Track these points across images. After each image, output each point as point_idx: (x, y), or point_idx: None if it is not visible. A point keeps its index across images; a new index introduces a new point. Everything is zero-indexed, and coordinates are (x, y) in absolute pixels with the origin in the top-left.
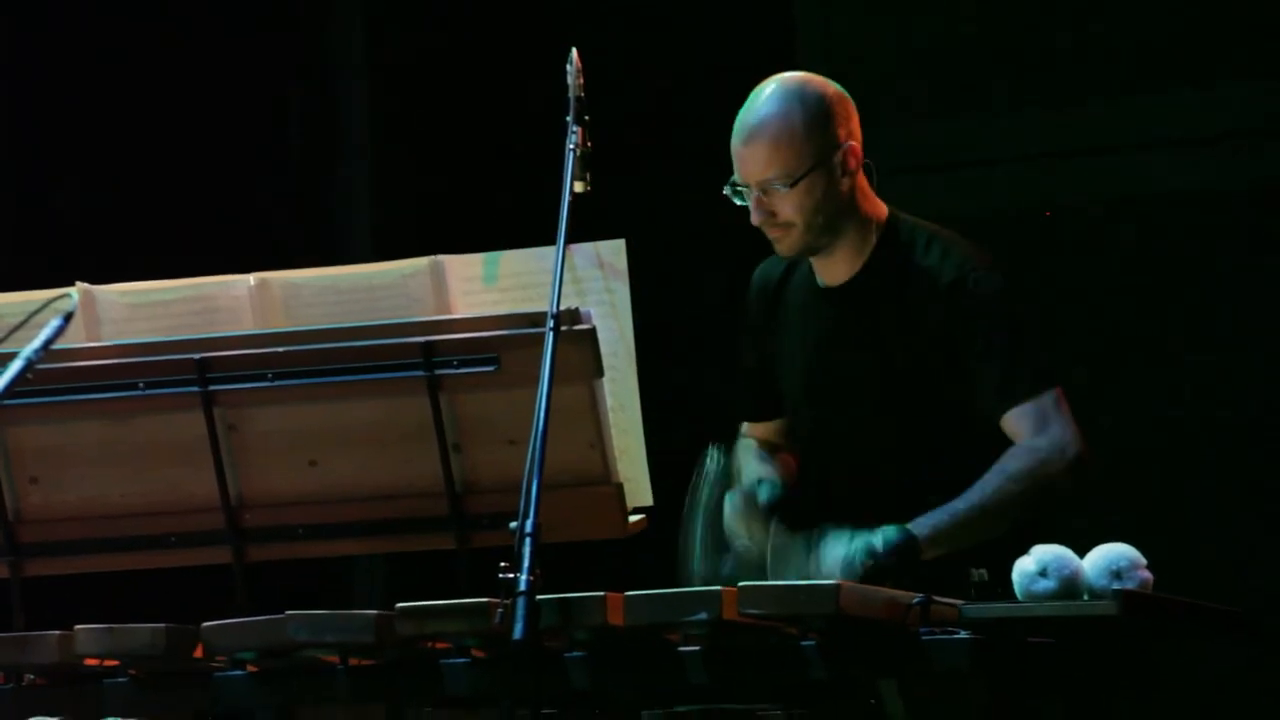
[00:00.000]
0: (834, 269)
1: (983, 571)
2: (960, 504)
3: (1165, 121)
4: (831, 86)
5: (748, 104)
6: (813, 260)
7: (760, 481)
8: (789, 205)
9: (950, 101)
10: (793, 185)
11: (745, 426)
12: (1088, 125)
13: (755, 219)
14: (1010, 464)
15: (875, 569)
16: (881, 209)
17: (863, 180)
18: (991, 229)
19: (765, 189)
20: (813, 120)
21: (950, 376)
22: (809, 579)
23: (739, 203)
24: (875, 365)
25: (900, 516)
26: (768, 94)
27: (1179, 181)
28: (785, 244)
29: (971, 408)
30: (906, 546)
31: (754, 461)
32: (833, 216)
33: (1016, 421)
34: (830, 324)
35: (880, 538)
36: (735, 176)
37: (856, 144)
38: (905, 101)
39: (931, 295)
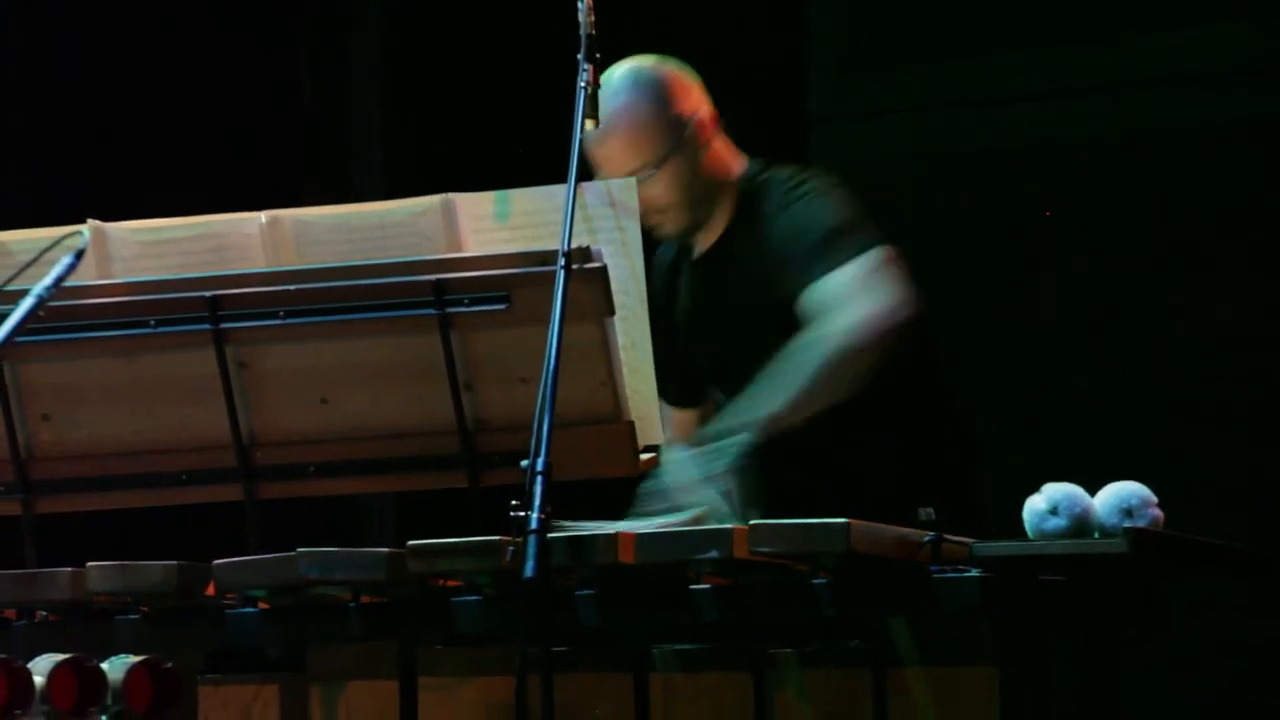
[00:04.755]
0: (708, 237)
1: (930, 510)
2: (761, 390)
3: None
4: (665, 65)
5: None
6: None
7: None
8: (659, 190)
9: (960, 41)
10: (658, 168)
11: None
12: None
13: None
14: (794, 347)
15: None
16: (739, 166)
17: (719, 146)
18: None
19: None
20: (656, 104)
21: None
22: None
23: None
24: (741, 325)
25: (806, 469)
26: (608, 92)
27: (1182, 119)
28: (669, 228)
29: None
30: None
31: None
32: (703, 190)
33: (816, 306)
34: (696, 292)
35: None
36: (598, 179)
37: (704, 114)
38: (912, 43)
39: (773, 224)
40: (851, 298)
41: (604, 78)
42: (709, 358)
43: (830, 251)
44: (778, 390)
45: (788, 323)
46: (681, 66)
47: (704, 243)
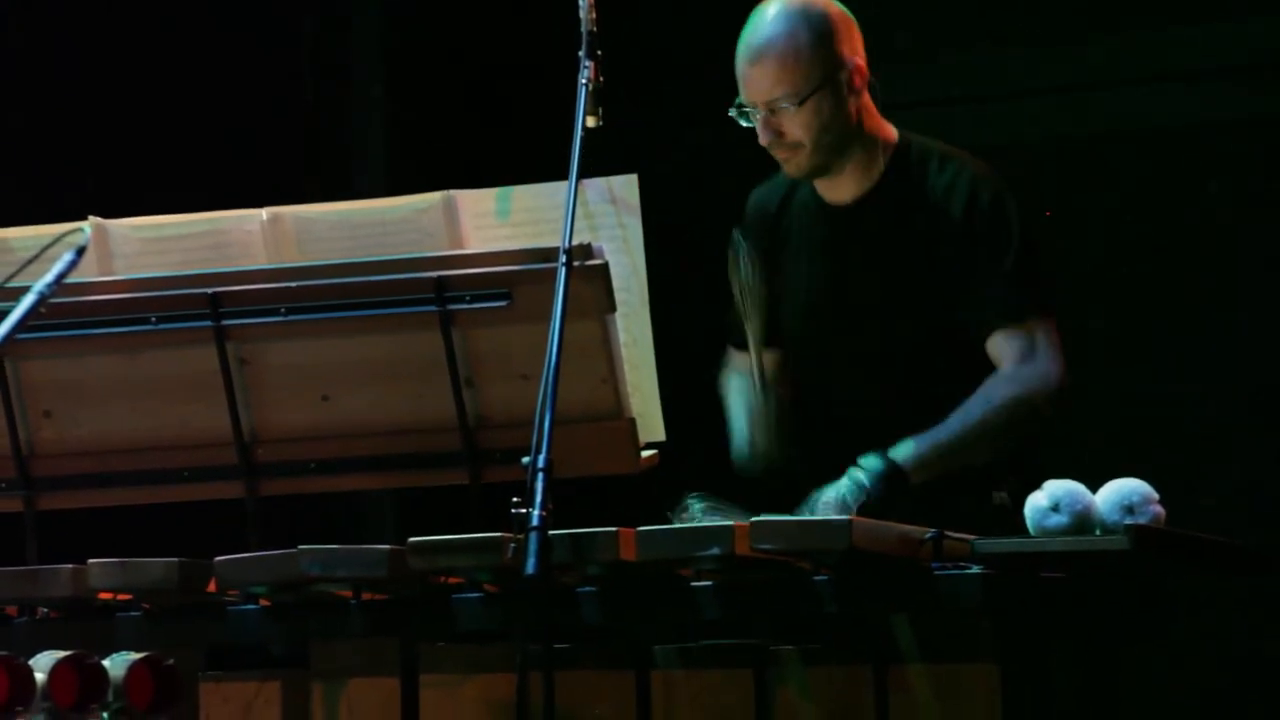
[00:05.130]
0: (841, 189)
1: (1004, 495)
2: (943, 431)
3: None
4: (835, 6)
5: (751, 24)
6: (817, 182)
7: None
8: (797, 125)
9: (955, 37)
10: (800, 104)
11: (734, 358)
12: (1083, 62)
13: (763, 139)
14: (995, 390)
15: (868, 503)
16: (890, 130)
17: (868, 100)
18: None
19: (773, 109)
20: (818, 39)
21: (958, 300)
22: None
23: (745, 124)
24: (883, 286)
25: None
26: (772, 14)
27: (1181, 115)
28: (794, 164)
29: (964, 324)
30: (892, 474)
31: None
32: (840, 136)
33: (1004, 344)
34: (838, 243)
35: (865, 472)
36: (741, 97)
37: (861, 63)
38: (927, 32)
39: (945, 215)
40: (1042, 359)
41: (760, 9)
42: (822, 303)
43: (1027, 294)
44: (968, 438)
45: (921, 314)
46: (849, 13)
47: (839, 193)
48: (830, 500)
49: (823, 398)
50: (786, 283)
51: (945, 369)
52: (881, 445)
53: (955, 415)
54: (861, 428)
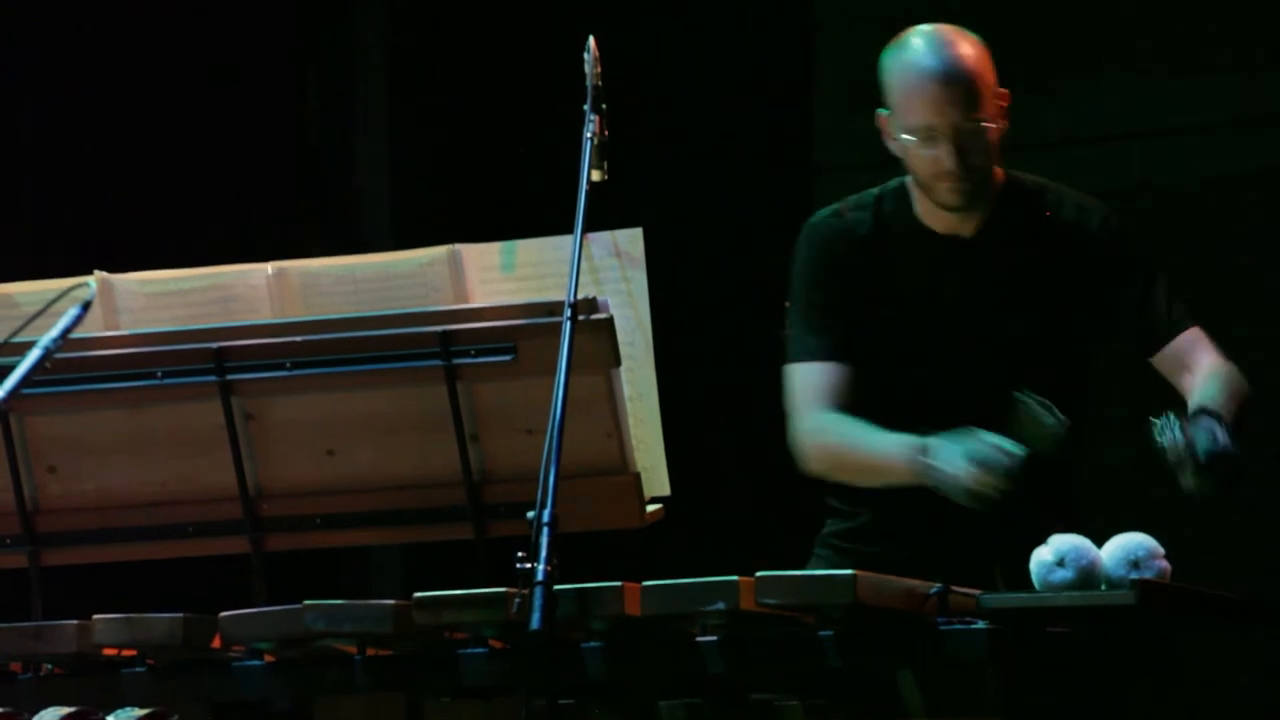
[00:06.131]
0: (956, 219)
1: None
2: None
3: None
4: (971, 33)
5: (927, 48)
6: (922, 210)
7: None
8: (982, 148)
9: None
10: (992, 124)
11: (798, 375)
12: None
13: (948, 163)
14: (1230, 380)
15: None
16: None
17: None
18: None
19: (968, 130)
20: (988, 66)
21: (1088, 329)
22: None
23: (923, 151)
24: (1016, 316)
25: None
26: (947, 37)
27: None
28: (963, 191)
29: (1122, 334)
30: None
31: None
32: (988, 165)
33: (1194, 341)
34: (966, 275)
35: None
36: (921, 120)
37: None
38: None
39: (1082, 231)
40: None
41: (924, 28)
42: (944, 333)
43: (1185, 305)
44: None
45: (1050, 343)
46: None
47: (959, 225)
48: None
49: (923, 408)
50: (890, 302)
51: (1060, 383)
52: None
53: (1207, 392)
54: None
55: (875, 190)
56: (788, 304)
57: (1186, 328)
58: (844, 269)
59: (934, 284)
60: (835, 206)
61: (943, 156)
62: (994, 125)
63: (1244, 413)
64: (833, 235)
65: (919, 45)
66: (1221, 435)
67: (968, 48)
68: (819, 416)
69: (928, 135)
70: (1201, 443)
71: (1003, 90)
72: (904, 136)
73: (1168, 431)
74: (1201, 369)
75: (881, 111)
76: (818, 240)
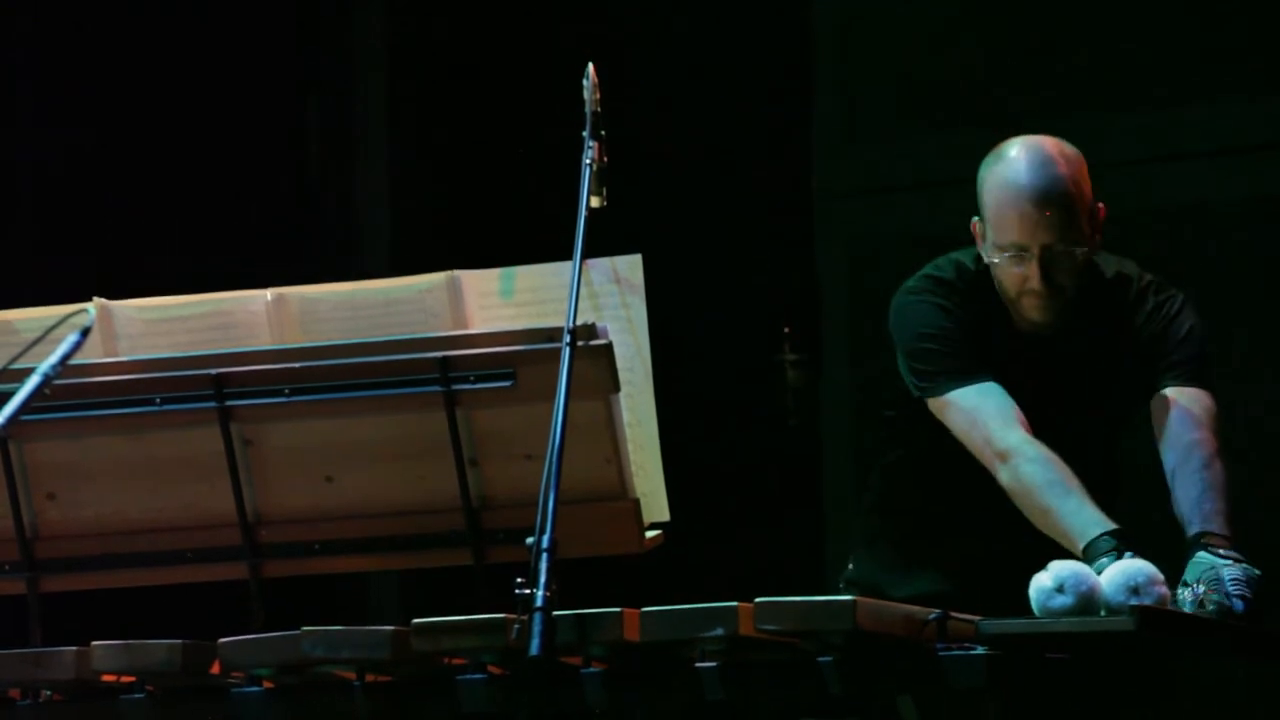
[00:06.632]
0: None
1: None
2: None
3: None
4: (1069, 146)
5: (1027, 165)
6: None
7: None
8: (1070, 270)
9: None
10: (1084, 250)
11: (965, 401)
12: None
13: (1034, 282)
14: (1214, 476)
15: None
16: None
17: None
18: None
19: (1057, 253)
20: (1085, 185)
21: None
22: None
23: (1012, 268)
24: (1079, 411)
25: None
26: (1048, 155)
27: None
28: (1047, 309)
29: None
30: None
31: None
32: (1079, 284)
33: (1197, 398)
34: (1037, 365)
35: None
36: (1013, 239)
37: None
38: (917, 115)
39: (1155, 348)
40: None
41: (1019, 140)
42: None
43: (1208, 367)
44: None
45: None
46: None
47: (1041, 323)
48: (1239, 577)
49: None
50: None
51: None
52: None
53: (1197, 485)
54: None
55: (954, 256)
56: (904, 354)
57: (1206, 386)
58: (957, 309)
59: (1010, 363)
60: (924, 270)
61: (1030, 276)
62: (1085, 249)
63: (1230, 505)
64: (942, 286)
65: (1017, 160)
66: (1242, 579)
67: (1066, 167)
68: (1026, 444)
69: (1017, 253)
70: (1237, 606)
71: (1100, 205)
72: (994, 249)
73: (1193, 603)
74: (1181, 445)
75: (975, 219)
76: (927, 290)
